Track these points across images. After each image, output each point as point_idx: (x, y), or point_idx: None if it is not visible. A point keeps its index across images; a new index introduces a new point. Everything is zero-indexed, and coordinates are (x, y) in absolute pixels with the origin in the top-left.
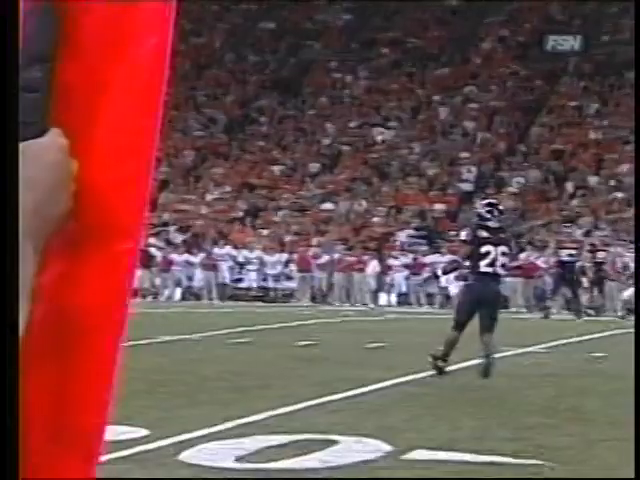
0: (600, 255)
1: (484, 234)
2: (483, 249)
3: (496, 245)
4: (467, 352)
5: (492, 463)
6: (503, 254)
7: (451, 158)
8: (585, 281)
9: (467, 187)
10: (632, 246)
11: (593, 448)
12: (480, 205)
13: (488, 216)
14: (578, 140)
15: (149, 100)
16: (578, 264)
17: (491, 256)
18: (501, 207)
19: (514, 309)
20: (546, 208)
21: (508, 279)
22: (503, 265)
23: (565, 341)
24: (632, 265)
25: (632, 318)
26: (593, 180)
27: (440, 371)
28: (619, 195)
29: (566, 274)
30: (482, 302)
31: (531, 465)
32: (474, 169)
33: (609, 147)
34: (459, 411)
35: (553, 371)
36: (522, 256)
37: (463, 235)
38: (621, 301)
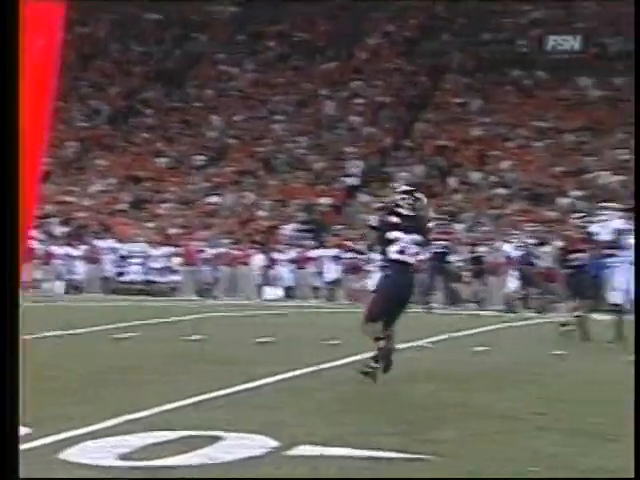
0: (481, 249)
1: (394, 219)
2: (391, 235)
3: (407, 232)
4: (354, 347)
5: (378, 458)
6: (415, 243)
7: (337, 152)
8: (467, 275)
9: (353, 181)
10: (513, 241)
11: (480, 442)
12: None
13: (401, 202)
14: (461, 136)
15: (38, 101)
16: (459, 258)
17: (400, 243)
18: (419, 195)
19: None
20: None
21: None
22: (416, 254)
23: (448, 335)
24: (514, 258)
25: (514, 313)
26: (476, 176)
27: (373, 376)
28: (501, 191)
29: (442, 266)
30: (395, 292)
31: (417, 460)
32: (360, 163)
33: (491, 144)
34: (346, 406)
35: (437, 365)
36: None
37: (372, 220)
38: (502, 295)
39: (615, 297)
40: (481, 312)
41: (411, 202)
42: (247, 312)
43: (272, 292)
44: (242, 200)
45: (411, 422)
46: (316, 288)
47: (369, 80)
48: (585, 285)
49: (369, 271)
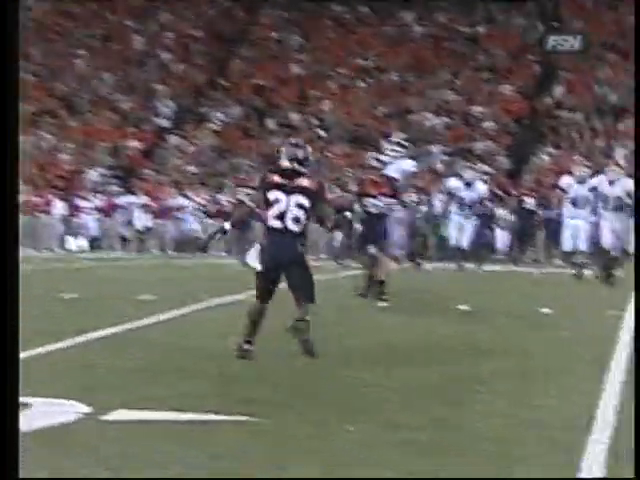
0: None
1: (275, 178)
2: (271, 195)
3: (289, 193)
4: (168, 303)
5: (199, 421)
6: (298, 206)
7: (146, 91)
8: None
9: (163, 123)
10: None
11: (302, 403)
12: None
13: (282, 156)
14: (280, 75)
15: None
16: None
17: (280, 206)
18: (309, 149)
19: (215, 253)
20: (247, 146)
21: (210, 221)
22: (297, 220)
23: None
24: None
25: (340, 264)
26: (295, 117)
27: (245, 355)
28: (321, 133)
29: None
30: (279, 267)
31: (239, 422)
32: (171, 103)
33: (311, 83)
34: (162, 367)
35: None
36: (223, 197)
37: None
38: (327, 245)
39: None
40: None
41: (300, 156)
42: (50, 265)
43: (76, 243)
44: (41, 143)
45: (229, 382)
46: (124, 238)
47: (179, 12)
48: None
49: (181, 219)
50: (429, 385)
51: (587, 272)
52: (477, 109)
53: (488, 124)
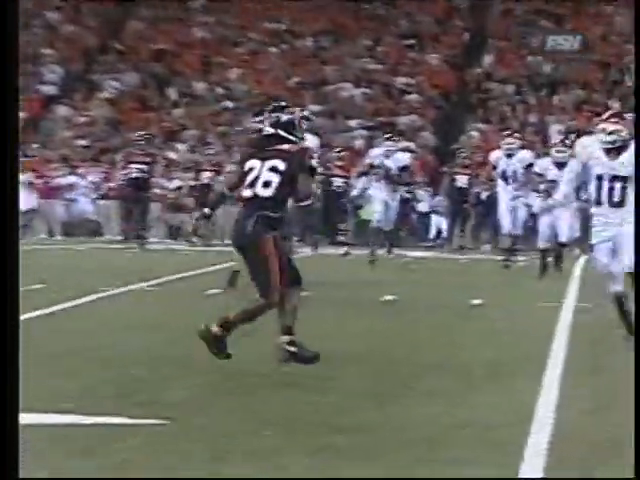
0: (207, 174)
1: (253, 149)
2: (246, 166)
3: (264, 159)
4: (60, 292)
5: (102, 424)
6: (272, 169)
7: (31, 55)
8: (191, 206)
9: (51, 91)
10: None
11: (215, 399)
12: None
13: (259, 118)
14: (182, 39)
15: None
16: (180, 184)
17: (253, 173)
18: (298, 112)
19: (109, 237)
20: (145, 118)
21: (102, 202)
22: (267, 184)
23: (176, 276)
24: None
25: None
26: (199, 87)
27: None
28: (229, 104)
29: (138, 194)
30: (238, 250)
31: (147, 425)
32: (59, 69)
33: (217, 49)
34: (62, 366)
35: (163, 310)
36: (120, 174)
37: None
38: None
39: None
40: (210, 248)
41: (281, 119)
42: None
43: None
44: None
45: (133, 381)
46: None
47: None
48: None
49: (71, 199)
50: (353, 384)
51: (521, 259)
52: (400, 80)
53: (412, 97)
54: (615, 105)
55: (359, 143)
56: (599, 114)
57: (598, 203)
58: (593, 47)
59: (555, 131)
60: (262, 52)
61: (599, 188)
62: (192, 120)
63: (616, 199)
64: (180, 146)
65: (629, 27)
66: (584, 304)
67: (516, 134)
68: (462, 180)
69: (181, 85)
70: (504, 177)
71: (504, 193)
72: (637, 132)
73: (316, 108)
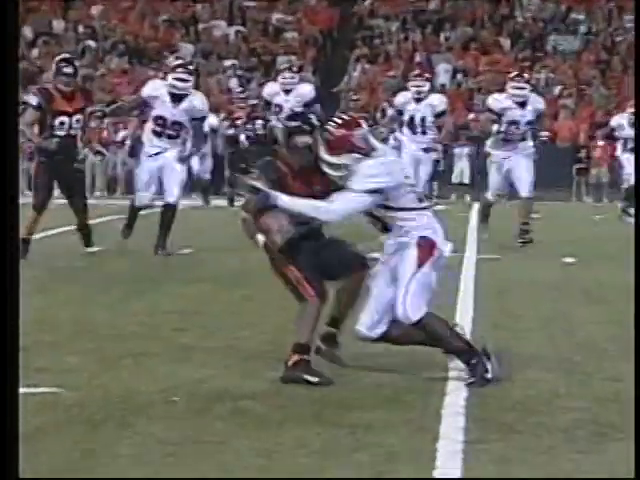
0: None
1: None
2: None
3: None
4: None
5: None
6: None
7: None
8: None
9: None
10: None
11: (110, 367)
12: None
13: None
14: None
15: None
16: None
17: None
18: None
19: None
20: None
21: None
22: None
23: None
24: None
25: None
26: (58, 25)
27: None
28: (91, 44)
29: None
30: None
31: (39, 393)
32: None
33: None
34: None
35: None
36: None
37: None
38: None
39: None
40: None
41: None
42: None
43: None
44: None
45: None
46: None
47: None
48: None
49: None
50: None
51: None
52: (277, 17)
53: (291, 35)
54: (506, 42)
55: (234, 85)
56: (487, 52)
57: None
58: None
59: (442, 70)
60: None
61: None
62: (51, 62)
63: None
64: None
65: None
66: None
67: (426, 74)
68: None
69: (38, 24)
70: (411, 125)
71: (410, 144)
72: (637, 127)
73: (188, 48)
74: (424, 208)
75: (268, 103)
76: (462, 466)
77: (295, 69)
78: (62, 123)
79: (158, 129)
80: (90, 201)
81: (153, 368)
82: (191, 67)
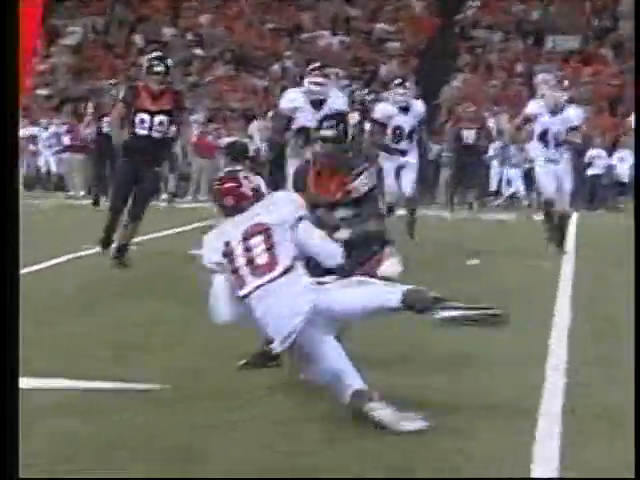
0: None
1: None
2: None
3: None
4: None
5: (100, 390)
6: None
7: None
8: None
9: None
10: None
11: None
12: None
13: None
14: None
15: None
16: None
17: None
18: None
19: (72, 192)
20: (110, 66)
21: (65, 155)
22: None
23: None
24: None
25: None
26: (168, 32)
27: None
28: (199, 52)
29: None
30: None
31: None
32: None
33: None
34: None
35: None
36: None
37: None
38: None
39: None
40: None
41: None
42: None
43: None
44: None
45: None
46: None
47: None
48: None
49: (32, 151)
50: None
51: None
52: (380, 27)
53: (393, 44)
54: (609, 54)
55: None
56: (589, 64)
57: None
58: None
59: (540, 81)
60: None
61: None
62: None
63: None
64: None
65: None
66: None
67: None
68: (469, 134)
69: (147, 31)
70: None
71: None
72: (637, 133)
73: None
74: None
75: (383, 125)
76: None
77: (408, 84)
78: (142, 121)
79: None
80: (195, 204)
81: None
82: (326, 70)
